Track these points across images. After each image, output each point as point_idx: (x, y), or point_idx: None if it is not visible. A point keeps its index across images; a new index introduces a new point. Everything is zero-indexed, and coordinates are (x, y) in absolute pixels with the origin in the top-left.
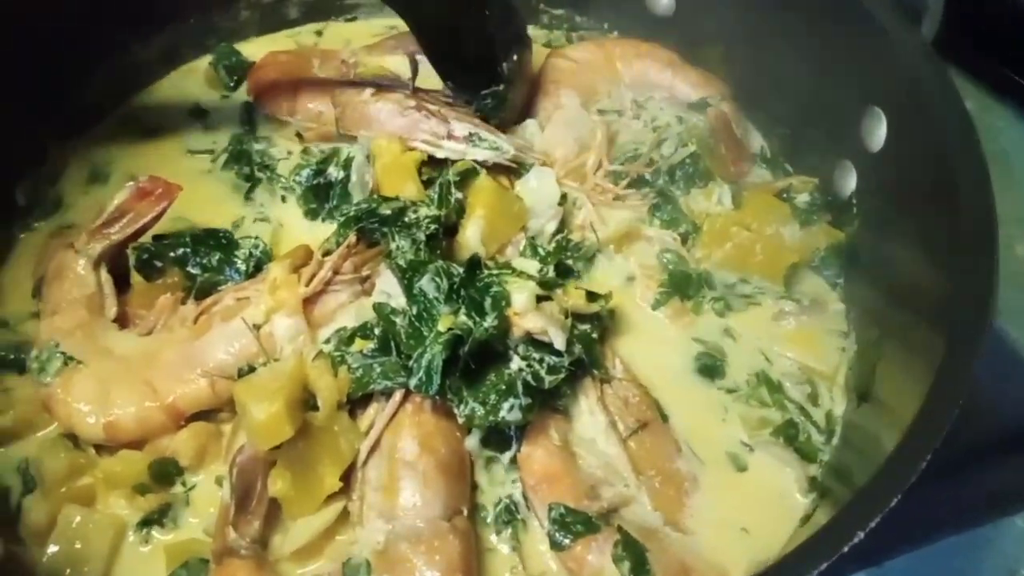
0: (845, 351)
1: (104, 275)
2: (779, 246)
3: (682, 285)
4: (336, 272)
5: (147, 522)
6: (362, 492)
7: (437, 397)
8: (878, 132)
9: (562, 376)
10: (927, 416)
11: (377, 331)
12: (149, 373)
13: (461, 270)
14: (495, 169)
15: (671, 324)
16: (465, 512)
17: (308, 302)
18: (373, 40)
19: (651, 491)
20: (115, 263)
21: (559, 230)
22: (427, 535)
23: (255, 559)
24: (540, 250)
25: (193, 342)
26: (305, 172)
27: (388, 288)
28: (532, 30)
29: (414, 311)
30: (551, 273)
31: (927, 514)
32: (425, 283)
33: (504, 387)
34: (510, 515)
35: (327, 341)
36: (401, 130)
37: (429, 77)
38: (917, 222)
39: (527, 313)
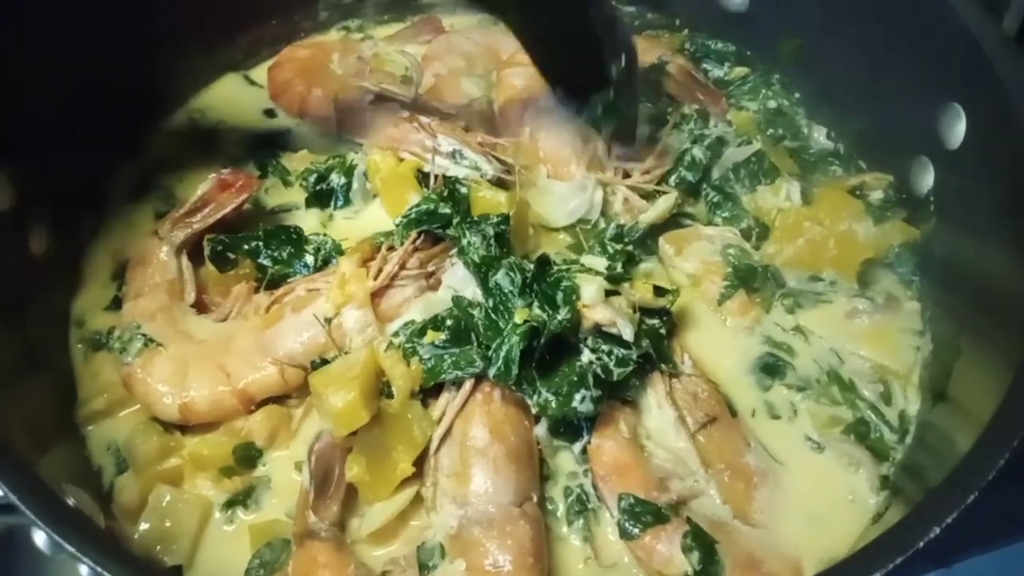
0: (920, 350)
1: (185, 262)
2: (852, 242)
3: (747, 278)
4: (402, 267)
5: (232, 503)
6: (435, 478)
7: (508, 387)
8: (956, 129)
9: (630, 369)
10: (1005, 414)
11: (449, 323)
12: (223, 358)
13: (532, 266)
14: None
15: (740, 320)
16: (535, 499)
17: (375, 296)
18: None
19: (720, 485)
20: (194, 251)
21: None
22: (499, 520)
23: (334, 541)
24: (609, 248)
25: (265, 331)
26: (312, 177)
27: (455, 283)
28: None
29: (490, 304)
30: (619, 269)
31: (1000, 517)
32: (500, 277)
33: (576, 378)
34: (581, 505)
35: (396, 334)
36: (393, 140)
37: None
38: (997, 221)
39: (596, 306)
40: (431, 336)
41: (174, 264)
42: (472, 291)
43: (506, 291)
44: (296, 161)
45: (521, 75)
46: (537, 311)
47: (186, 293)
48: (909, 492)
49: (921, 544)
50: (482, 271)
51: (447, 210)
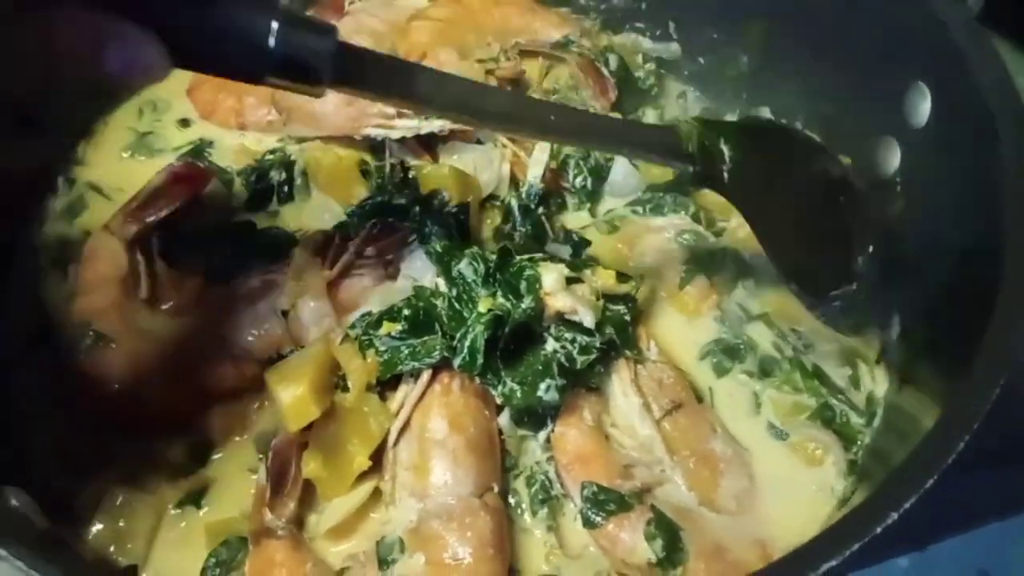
0: (890, 330)
1: (137, 256)
2: None
3: (706, 262)
4: (359, 256)
5: (186, 501)
6: (393, 472)
7: (467, 377)
8: (922, 108)
9: (593, 356)
10: (966, 395)
11: (406, 312)
12: (176, 354)
13: (495, 256)
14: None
15: (702, 305)
16: (496, 489)
17: (332, 286)
18: None
19: (686, 472)
20: (145, 245)
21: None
22: (458, 512)
23: (291, 539)
24: (574, 236)
25: (219, 324)
26: (253, 176)
27: (414, 272)
28: None
29: (453, 293)
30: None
31: (974, 499)
32: (464, 267)
33: (541, 367)
34: (546, 494)
35: (353, 326)
36: (351, 120)
37: None
38: (962, 200)
39: (557, 293)
40: (387, 327)
41: (125, 259)
42: (431, 279)
43: (469, 280)
44: (234, 156)
45: (425, 30)
46: (501, 300)
47: (139, 288)
48: (876, 475)
49: (879, 530)
50: (445, 260)
51: (403, 200)
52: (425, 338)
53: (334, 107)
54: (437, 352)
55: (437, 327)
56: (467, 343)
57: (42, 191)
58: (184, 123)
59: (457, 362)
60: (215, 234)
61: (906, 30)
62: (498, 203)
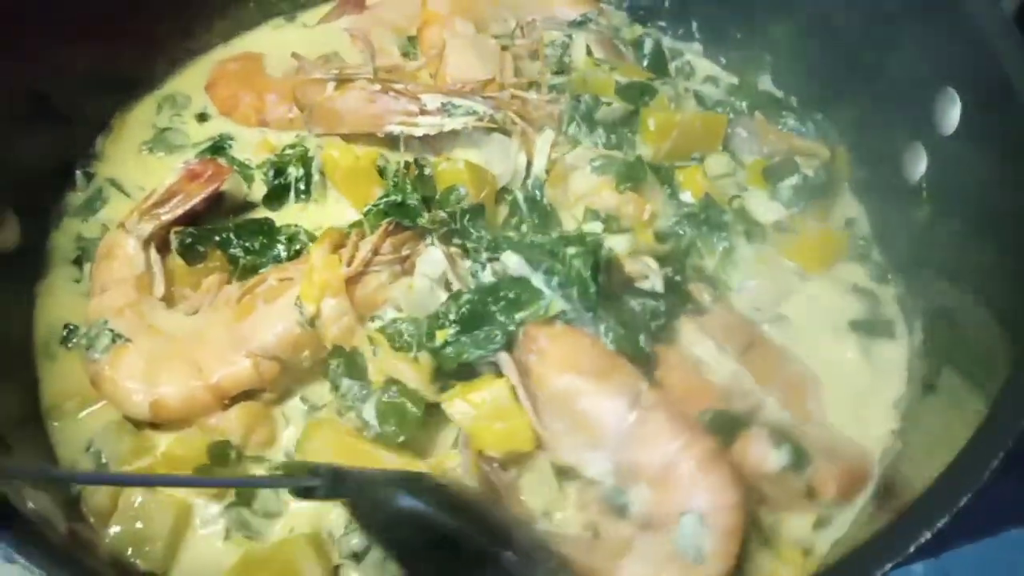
0: (911, 336)
1: (153, 255)
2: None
3: (630, 175)
4: (376, 252)
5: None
6: (560, 443)
7: (548, 326)
8: (951, 114)
9: (662, 321)
10: (1000, 414)
11: (451, 316)
12: (195, 352)
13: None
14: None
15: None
16: (645, 386)
17: (349, 283)
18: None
19: (777, 396)
20: (162, 243)
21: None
22: (636, 424)
23: None
24: (601, 213)
25: (237, 323)
26: (271, 172)
27: (428, 270)
28: None
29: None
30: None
31: (989, 508)
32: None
33: (635, 317)
34: None
35: (396, 343)
36: (374, 117)
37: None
38: (991, 210)
39: (625, 258)
40: (441, 336)
41: (141, 257)
42: (443, 274)
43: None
44: (255, 151)
45: (443, 2)
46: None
47: (155, 287)
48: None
49: (912, 549)
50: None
51: (415, 201)
52: (483, 328)
53: (356, 104)
54: (500, 336)
55: (492, 316)
56: (573, 273)
57: (61, 186)
58: (203, 118)
59: (563, 303)
60: (233, 231)
61: (937, 33)
62: (510, 197)
